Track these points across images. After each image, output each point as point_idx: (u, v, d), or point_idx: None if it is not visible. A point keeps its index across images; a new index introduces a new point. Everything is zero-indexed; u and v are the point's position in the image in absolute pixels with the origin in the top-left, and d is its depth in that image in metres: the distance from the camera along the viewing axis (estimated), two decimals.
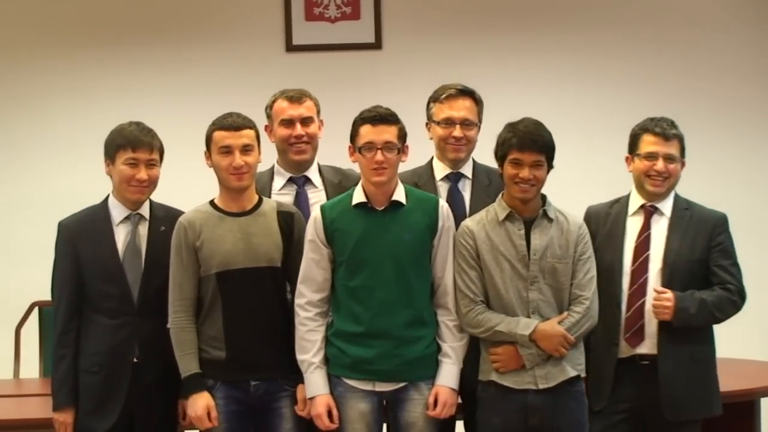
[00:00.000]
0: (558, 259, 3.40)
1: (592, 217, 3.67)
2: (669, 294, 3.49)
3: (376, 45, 5.85)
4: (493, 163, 3.56)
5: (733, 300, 3.56)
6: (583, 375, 3.43)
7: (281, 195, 3.72)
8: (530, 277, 3.38)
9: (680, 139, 3.63)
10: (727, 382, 3.83)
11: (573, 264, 3.42)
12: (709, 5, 5.93)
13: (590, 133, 5.70)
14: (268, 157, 3.78)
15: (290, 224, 3.49)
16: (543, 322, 3.36)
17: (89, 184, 5.77)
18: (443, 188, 3.71)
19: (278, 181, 3.76)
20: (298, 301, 3.41)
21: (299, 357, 3.39)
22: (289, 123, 3.73)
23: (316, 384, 3.38)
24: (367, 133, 3.37)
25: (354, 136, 3.41)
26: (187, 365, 3.40)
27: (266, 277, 3.43)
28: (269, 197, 3.67)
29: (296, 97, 3.77)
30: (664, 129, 3.60)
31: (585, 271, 3.43)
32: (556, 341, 3.33)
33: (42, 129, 5.84)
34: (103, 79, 5.82)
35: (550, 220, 3.43)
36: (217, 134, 3.44)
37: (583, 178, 5.25)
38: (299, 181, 3.76)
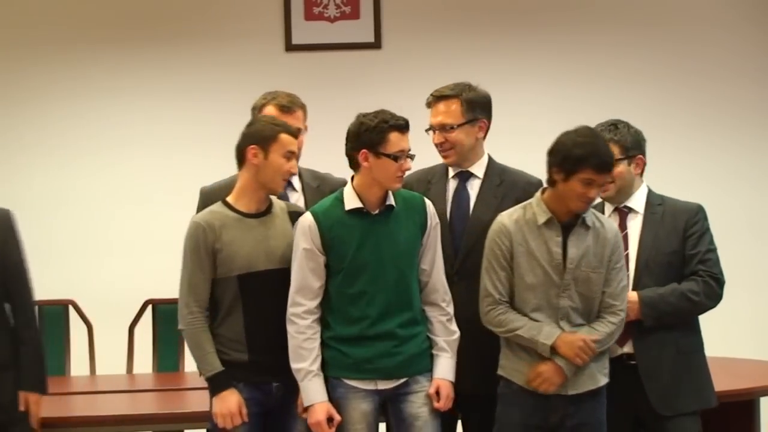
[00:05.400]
0: (593, 269, 3.38)
1: None
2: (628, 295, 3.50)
3: (376, 45, 5.85)
4: (503, 159, 3.53)
5: (698, 292, 3.52)
6: (607, 380, 3.42)
7: None
8: (563, 285, 3.36)
9: (616, 141, 3.58)
10: (727, 382, 3.83)
11: (606, 272, 3.40)
12: (711, 4, 5.93)
13: None
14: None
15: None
16: (565, 333, 3.33)
17: (88, 183, 5.83)
18: (452, 185, 3.70)
19: None
20: (294, 310, 3.36)
21: (295, 366, 3.35)
22: None
23: (315, 391, 3.34)
24: (398, 140, 3.34)
25: (380, 141, 3.33)
26: (212, 363, 3.35)
27: (285, 279, 3.40)
28: None
29: (287, 107, 3.71)
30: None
31: (619, 279, 3.42)
32: (576, 347, 3.31)
33: (40, 128, 5.83)
34: (102, 78, 5.82)
35: (587, 227, 3.41)
36: (286, 138, 3.39)
37: None
38: None
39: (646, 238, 3.59)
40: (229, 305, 3.38)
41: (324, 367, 3.37)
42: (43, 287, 5.28)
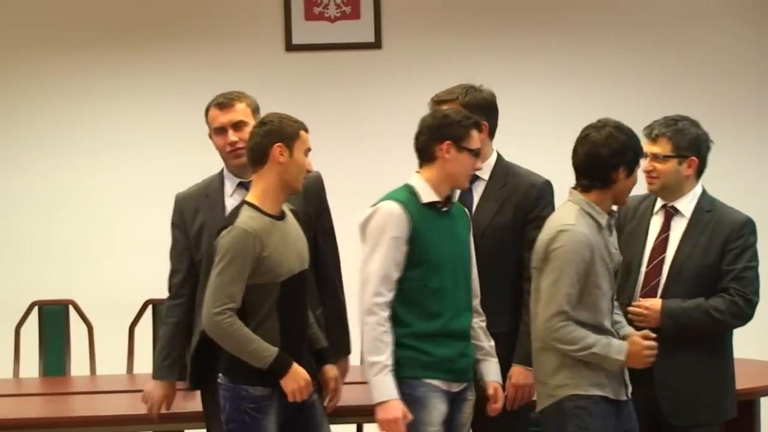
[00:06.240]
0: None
1: (621, 208, 3.56)
2: (651, 302, 3.47)
3: (376, 45, 5.85)
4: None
5: (723, 311, 3.46)
6: None
7: (233, 199, 3.60)
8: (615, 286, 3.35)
9: (669, 137, 3.53)
10: None
11: None
12: (710, 5, 5.94)
13: None
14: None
15: (299, 221, 3.45)
16: (627, 345, 3.28)
17: (88, 183, 5.84)
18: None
19: (228, 186, 3.65)
20: (377, 300, 3.25)
21: (372, 358, 3.23)
22: (221, 131, 3.61)
23: (389, 387, 3.23)
24: (477, 138, 3.35)
25: (464, 136, 3.32)
26: (269, 348, 3.23)
27: (307, 280, 3.40)
28: (222, 201, 3.61)
29: (225, 103, 3.62)
30: (652, 129, 3.56)
31: None
32: (644, 356, 3.28)
33: (41, 128, 5.84)
34: (102, 79, 5.82)
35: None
36: (305, 135, 3.35)
37: None
38: (248, 186, 3.57)
39: (684, 246, 3.51)
40: (267, 310, 3.29)
41: (397, 368, 3.27)
42: (43, 287, 5.34)
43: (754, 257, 3.53)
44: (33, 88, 5.84)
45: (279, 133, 3.29)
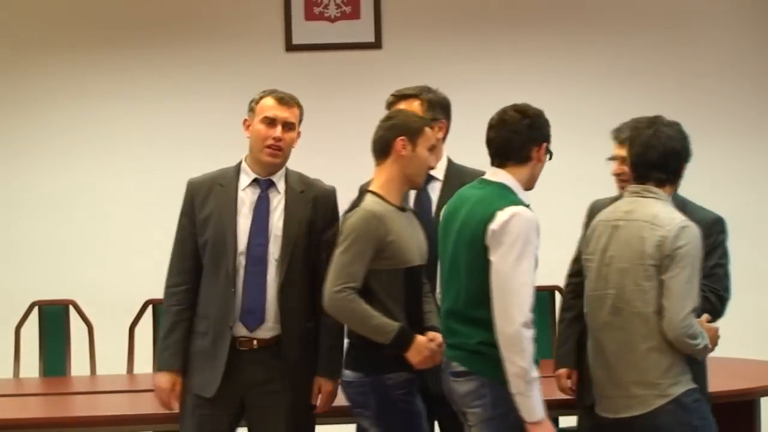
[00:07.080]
0: None
1: (595, 211, 3.58)
2: None
3: (376, 44, 5.86)
4: (474, 162, 3.57)
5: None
6: None
7: (244, 193, 3.58)
8: None
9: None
10: (727, 382, 3.82)
11: None
12: (708, 5, 5.94)
13: (588, 132, 5.69)
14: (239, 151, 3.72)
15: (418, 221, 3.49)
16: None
17: (89, 183, 5.84)
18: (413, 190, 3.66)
19: (244, 179, 3.61)
20: (531, 315, 3.08)
21: (535, 374, 3.09)
22: (271, 122, 3.56)
23: (542, 405, 3.11)
24: None
25: (547, 137, 3.25)
26: (390, 323, 3.26)
27: (424, 275, 3.43)
28: (235, 193, 3.58)
29: (286, 99, 3.61)
30: (620, 131, 3.57)
31: None
32: (718, 336, 3.33)
33: (42, 129, 5.85)
34: (103, 80, 5.82)
35: None
36: (430, 132, 3.39)
37: (580, 178, 5.27)
38: (264, 185, 3.59)
39: None
40: (392, 297, 3.33)
41: None
42: (43, 287, 5.35)
43: (725, 255, 3.54)
44: (34, 89, 5.85)
45: (402, 127, 3.37)
